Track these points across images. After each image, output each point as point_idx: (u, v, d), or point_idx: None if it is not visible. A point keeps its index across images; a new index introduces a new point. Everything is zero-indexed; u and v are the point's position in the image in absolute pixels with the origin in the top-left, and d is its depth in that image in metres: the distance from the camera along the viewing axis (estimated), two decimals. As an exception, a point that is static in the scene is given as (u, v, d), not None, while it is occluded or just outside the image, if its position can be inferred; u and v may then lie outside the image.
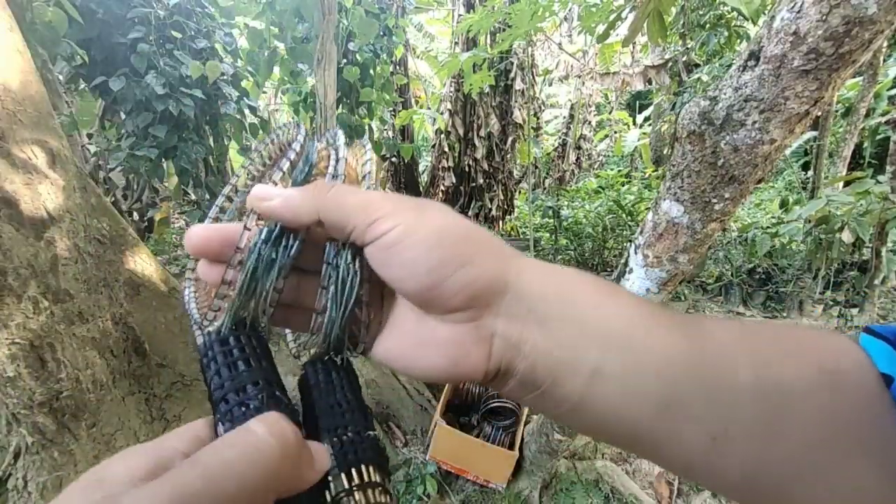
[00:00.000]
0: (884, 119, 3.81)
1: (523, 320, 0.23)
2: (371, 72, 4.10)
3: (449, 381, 0.24)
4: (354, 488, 0.21)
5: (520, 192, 6.57)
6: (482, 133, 5.41)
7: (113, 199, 4.47)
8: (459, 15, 5.07)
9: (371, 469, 0.22)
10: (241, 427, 0.18)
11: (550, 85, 9.04)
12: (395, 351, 0.25)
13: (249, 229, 0.24)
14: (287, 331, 0.29)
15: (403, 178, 5.97)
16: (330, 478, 0.21)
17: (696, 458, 0.22)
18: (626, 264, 1.18)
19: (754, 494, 0.22)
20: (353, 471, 0.21)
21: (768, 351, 0.22)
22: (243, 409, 0.20)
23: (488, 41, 4.81)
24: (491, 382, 0.24)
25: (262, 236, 0.24)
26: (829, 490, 0.20)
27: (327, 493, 0.21)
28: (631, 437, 0.23)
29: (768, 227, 3.61)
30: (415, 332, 0.24)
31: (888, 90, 3.84)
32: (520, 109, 5.44)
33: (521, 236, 5.60)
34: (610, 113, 9.29)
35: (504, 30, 2.32)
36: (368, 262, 0.24)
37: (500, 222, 5.80)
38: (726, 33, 3.71)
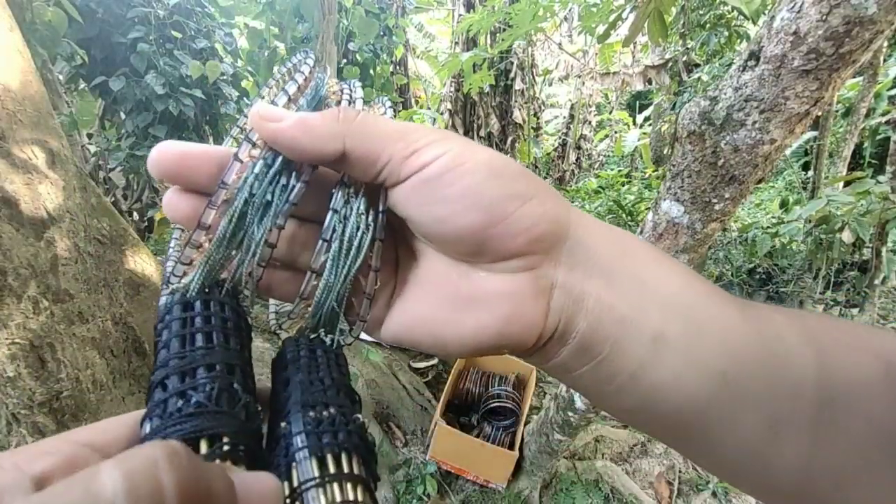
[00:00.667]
0: (884, 119, 3.81)
1: (585, 270, 0.20)
2: (371, 72, 4.11)
3: (497, 346, 0.20)
4: (326, 479, 0.15)
5: (520, 192, 6.56)
6: (482, 133, 5.41)
7: (113, 198, 4.47)
8: (459, 15, 5.07)
9: (353, 460, 0.16)
10: (84, 473, 0.10)
11: (550, 85, 9.04)
12: (424, 317, 0.21)
13: (242, 161, 0.18)
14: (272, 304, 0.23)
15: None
16: (294, 463, 0.16)
17: (750, 450, 0.19)
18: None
19: (806, 497, 0.20)
20: (330, 457, 0.16)
21: (828, 338, 0.20)
22: (181, 402, 0.15)
23: (488, 41, 4.81)
24: (543, 349, 0.21)
25: (257, 170, 0.18)
26: (875, 496, 0.19)
27: (285, 484, 0.15)
28: (684, 416, 0.20)
29: (768, 227, 3.61)
30: (454, 291, 0.20)
31: (888, 90, 3.84)
32: (520, 109, 5.44)
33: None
34: (610, 113, 9.29)
35: (504, 30, 2.32)
36: (401, 206, 0.19)
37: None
38: (726, 33, 3.71)
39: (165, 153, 0.19)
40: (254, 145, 0.19)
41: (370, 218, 0.20)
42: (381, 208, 0.20)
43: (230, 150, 0.20)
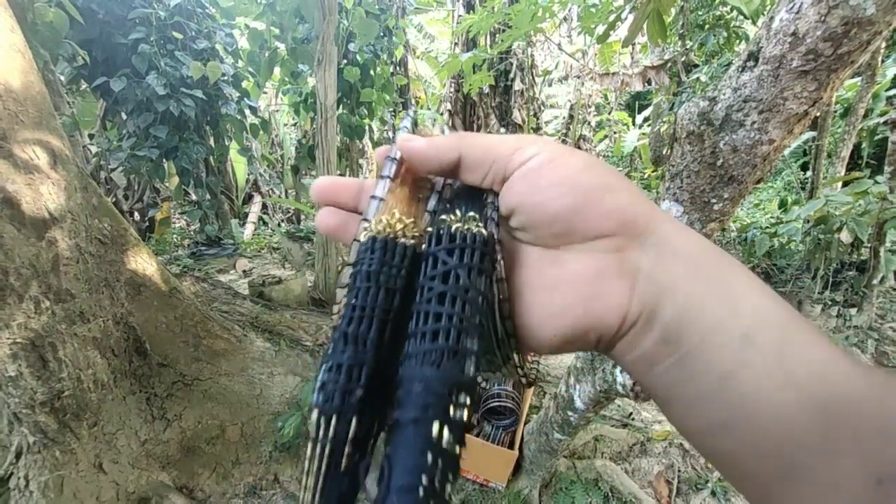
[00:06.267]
0: (882, 119, 3.82)
1: (672, 264, 0.20)
2: (371, 72, 4.11)
3: (584, 326, 0.21)
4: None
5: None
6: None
7: (114, 199, 4.47)
8: (459, 15, 5.08)
9: None
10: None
11: (550, 85, 9.04)
12: (518, 308, 0.22)
13: (378, 198, 0.23)
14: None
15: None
16: None
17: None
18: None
19: None
20: None
21: None
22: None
23: (488, 41, 4.83)
24: (629, 335, 0.20)
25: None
26: None
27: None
28: (776, 441, 0.18)
29: (767, 227, 3.62)
30: (539, 279, 0.22)
31: (886, 91, 3.85)
32: (519, 110, 5.45)
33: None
34: (609, 113, 9.30)
35: (504, 30, 2.33)
36: (506, 199, 0.22)
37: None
38: (725, 34, 3.72)
39: (320, 184, 0.27)
40: (390, 178, 0.24)
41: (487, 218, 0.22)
42: (494, 215, 0.22)
43: (367, 182, 0.26)
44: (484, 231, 0.21)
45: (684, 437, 0.21)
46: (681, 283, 0.19)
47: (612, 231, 0.20)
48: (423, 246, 0.22)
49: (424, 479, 0.15)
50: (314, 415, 0.18)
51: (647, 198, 0.22)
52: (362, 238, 0.22)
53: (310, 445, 0.18)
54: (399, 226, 0.22)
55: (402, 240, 0.21)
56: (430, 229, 0.22)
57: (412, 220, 0.23)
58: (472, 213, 0.22)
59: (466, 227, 0.21)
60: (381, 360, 0.19)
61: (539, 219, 0.21)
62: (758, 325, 0.18)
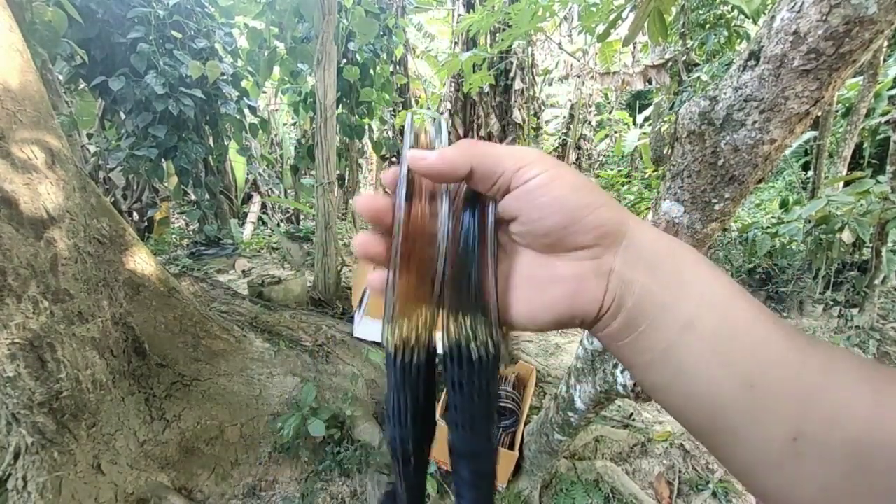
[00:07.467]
0: (884, 119, 3.81)
1: (636, 263, 0.25)
2: (371, 72, 4.10)
3: (570, 315, 0.26)
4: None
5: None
6: (482, 133, 5.41)
7: (113, 198, 4.47)
8: (459, 15, 5.07)
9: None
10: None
11: (550, 85, 9.03)
12: (519, 298, 0.27)
13: (399, 211, 0.28)
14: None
15: (403, 178, 5.97)
16: None
17: (771, 457, 0.21)
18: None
19: None
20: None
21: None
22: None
23: (488, 41, 4.82)
24: (601, 319, 0.26)
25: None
26: None
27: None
28: (707, 406, 0.23)
29: (768, 227, 3.61)
30: (533, 277, 0.27)
31: (888, 90, 3.84)
32: (520, 109, 5.44)
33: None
34: (610, 113, 9.29)
35: (504, 29, 2.32)
36: (508, 208, 0.26)
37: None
38: (726, 33, 3.71)
39: (361, 201, 0.28)
40: (407, 197, 0.27)
41: (484, 216, 0.27)
42: (491, 216, 0.27)
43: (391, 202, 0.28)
44: (485, 350, 0.26)
45: (645, 390, 0.27)
46: (639, 279, 0.25)
47: (592, 243, 0.25)
48: (440, 362, 0.27)
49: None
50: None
51: (622, 207, 0.27)
52: (387, 340, 0.27)
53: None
54: (412, 337, 0.27)
55: (416, 356, 0.27)
56: (443, 343, 0.27)
57: (425, 318, 0.27)
58: (479, 323, 0.26)
59: (474, 343, 0.26)
60: (417, 419, 0.27)
61: (536, 231, 0.26)
62: (700, 311, 0.23)
